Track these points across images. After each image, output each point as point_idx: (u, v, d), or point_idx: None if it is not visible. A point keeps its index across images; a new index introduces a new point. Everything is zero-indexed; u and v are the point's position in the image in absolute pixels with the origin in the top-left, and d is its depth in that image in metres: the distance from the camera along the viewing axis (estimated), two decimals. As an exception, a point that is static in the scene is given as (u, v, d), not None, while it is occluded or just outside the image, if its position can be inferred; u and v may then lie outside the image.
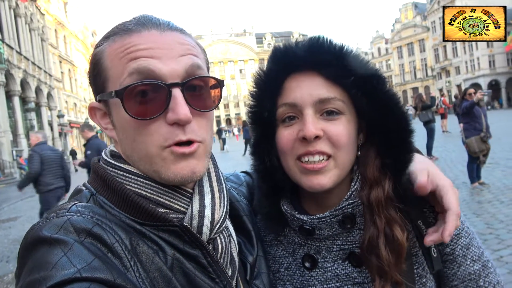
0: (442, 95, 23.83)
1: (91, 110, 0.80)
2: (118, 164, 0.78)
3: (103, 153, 0.83)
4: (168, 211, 0.75)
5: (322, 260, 0.94)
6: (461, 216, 0.93)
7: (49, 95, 37.31)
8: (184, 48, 0.74)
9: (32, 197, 15.21)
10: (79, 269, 0.57)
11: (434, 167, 0.93)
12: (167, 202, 0.75)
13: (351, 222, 0.91)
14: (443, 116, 20.98)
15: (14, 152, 26.28)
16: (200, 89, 0.76)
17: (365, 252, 0.87)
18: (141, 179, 0.75)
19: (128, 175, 0.76)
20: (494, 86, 60.14)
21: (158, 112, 0.70)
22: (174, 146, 0.72)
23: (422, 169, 0.89)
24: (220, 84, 0.80)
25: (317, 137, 0.84)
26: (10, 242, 7.63)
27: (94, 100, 0.81)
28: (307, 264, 0.95)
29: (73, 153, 36.25)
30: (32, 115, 24.87)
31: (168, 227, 0.73)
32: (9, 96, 27.83)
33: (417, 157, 0.93)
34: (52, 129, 37.87)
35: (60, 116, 34.98)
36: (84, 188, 0.79)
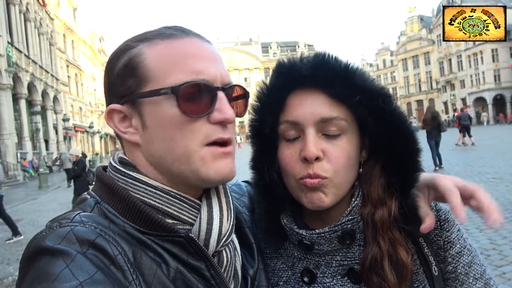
0: (454, 110, 25.02)
1: (109, 113, 0.77)
2: (128, 172, 0.77)
3: (111, 160, 0.82)
4: (176, 222, 0.75)
5: (321, 275, 0.92)
6: (463, 233, 0.92)
7: (55, 98, 37.66)
8: (220, 59, 0.80)
9: (34, 200, 15.27)
10: (81, 282, 0.56)
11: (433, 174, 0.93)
12: (175, 212, 0.75)
13: (350, 238, 0.89)
14: (460, 130, 21.15)
15: (19, 155, 26.45)
16: (234, 97, 0.81)
17: (367, 271, 0.85)
18: (150, 189, 0.75)
19: (137, 183, 0.75)
20: (499, 100, 60.07)
21: (205, 111, 0.73)
22: (215, 146, 0.75)
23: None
24: (246, 95, 0.85)
25: (317, 159, 0.84)
26: (12, 244, 7.62)
27: (106, 105, 0.80)
28: (305, 279, 0.93)
29: (84, 157, 36.45)
30: (38, 118, 24.94)
31: (174, 237, 0.72)
32: (16, 99, 28.12)
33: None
34: (57, 133, 38.13)
35: (65, 119, 35.23)
36: (88, 197, 0.78)
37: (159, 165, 0.76)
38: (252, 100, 0.93)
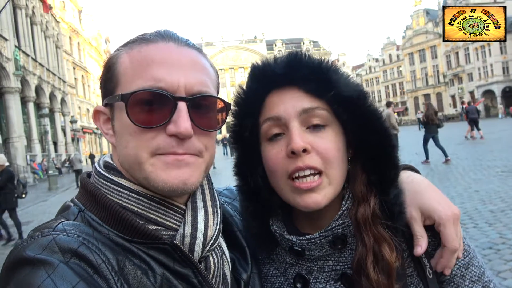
0: (462, 103, 25.97)
1: (96, 113, 0.79)
2: (110, 177, 0.76)
3: (96, 164, 0.81)
4: (159, 228, 0.73)
5: (313, 280, 0.91)
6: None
7: (62, 101, 38.01)
8: (196, 66, 0.76)
9: (44, 202, 15.46)
10: None
11: (430, 189, 0.91)
12: (158, 218, 0.73)
13: (342, 243, 0.88)
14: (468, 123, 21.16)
15: (28, 157, 26.75)
16: (206, 108, 0.76)
17: (355, 273, 0.84)
18: (133, 194, 0.73)
19: (119, 189, 0.74)
20: (507, 93, 59.15)
21: (160, 122, 0.70)
22: (166, 154, 0.71)
23: (411, 205, 0.87)
24: (227, 107, 0.81)
25: (305, 151, 0.82)
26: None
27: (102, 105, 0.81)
28: (298, 285, 0.92)
29: (92, 157, 36.89)
30: (46, 120, 25.21)
31: (158, 244, 0.71)
32: (24, 102, 28.44)
33: (412, 181, 0.92)
34: (65, 135, 38.52)
35: (73, 121, 35.58)
36: (72, 204, 0.77)
37: (124, 170, 0.76)
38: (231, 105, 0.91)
